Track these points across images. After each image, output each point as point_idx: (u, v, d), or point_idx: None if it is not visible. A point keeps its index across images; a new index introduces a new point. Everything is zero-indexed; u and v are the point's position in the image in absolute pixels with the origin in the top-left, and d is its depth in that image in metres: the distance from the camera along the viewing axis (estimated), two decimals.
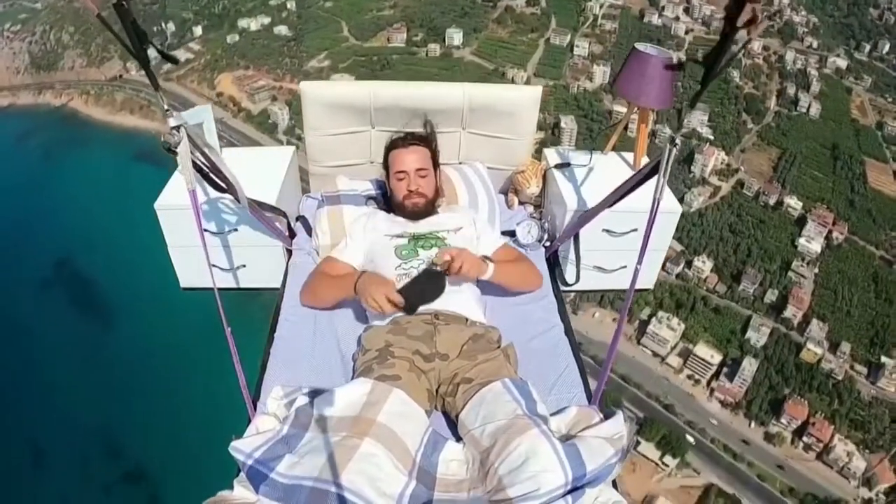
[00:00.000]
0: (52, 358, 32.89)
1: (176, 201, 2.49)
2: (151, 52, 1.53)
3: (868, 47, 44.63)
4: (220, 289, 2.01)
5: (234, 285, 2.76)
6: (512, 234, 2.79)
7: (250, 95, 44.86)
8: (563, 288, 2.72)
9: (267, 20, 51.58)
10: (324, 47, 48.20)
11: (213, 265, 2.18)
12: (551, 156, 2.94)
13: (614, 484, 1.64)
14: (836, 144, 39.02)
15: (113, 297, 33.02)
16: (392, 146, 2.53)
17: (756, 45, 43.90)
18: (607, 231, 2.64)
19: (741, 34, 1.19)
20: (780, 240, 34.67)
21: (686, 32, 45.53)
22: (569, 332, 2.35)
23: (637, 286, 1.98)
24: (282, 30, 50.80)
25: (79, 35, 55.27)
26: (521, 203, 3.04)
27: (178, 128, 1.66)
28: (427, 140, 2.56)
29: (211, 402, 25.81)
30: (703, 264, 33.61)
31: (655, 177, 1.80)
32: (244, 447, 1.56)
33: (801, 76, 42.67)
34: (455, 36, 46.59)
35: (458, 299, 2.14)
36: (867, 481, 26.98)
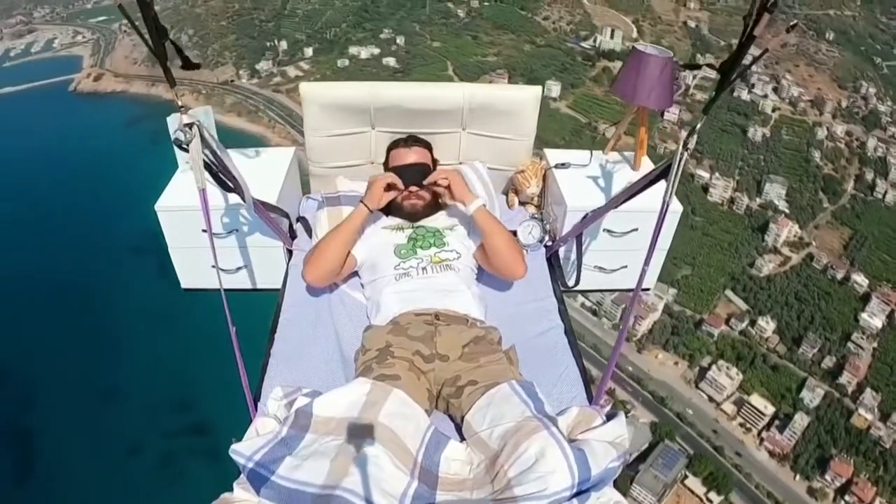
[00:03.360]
0: (134, 317, 36.79)
1: (176, 203, 2.61)
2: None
3: None
4: (224, 290, 2.15)
5: (234, 286, 2.82)
6: (513, 234, 2.80)
7: None
8: (562, 289, 2.77)
9: (376, 51, 56.21)
10: (429, 81, 51.88)
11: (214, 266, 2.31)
12: (551, 156, 3.03)
13: (615, 483, 1.67)
14: None
15: None
16: (393, 146, 2.70)
17: (839, 130, 46.65)
18: (608, 231, 2.76)
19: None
20: (843, 312, 36.35)
21: (773, 110, 48.41)
22: (569, 332, 2.42)
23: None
24: (390, 61, 55.19)
25: (197, 38, 60.56)
26: (521, 203, 3.11)
27: (191, 125, 1.77)
28: (427, 143, 2.71)
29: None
30: (767, 324, 35.79)
31: (664, 179, 1.99)
32: (244, 450, 1.59)
33: (880, 163, 44.70)
34: (553, 88, 49.87)
35: (458, 299, 2.26)
36: None
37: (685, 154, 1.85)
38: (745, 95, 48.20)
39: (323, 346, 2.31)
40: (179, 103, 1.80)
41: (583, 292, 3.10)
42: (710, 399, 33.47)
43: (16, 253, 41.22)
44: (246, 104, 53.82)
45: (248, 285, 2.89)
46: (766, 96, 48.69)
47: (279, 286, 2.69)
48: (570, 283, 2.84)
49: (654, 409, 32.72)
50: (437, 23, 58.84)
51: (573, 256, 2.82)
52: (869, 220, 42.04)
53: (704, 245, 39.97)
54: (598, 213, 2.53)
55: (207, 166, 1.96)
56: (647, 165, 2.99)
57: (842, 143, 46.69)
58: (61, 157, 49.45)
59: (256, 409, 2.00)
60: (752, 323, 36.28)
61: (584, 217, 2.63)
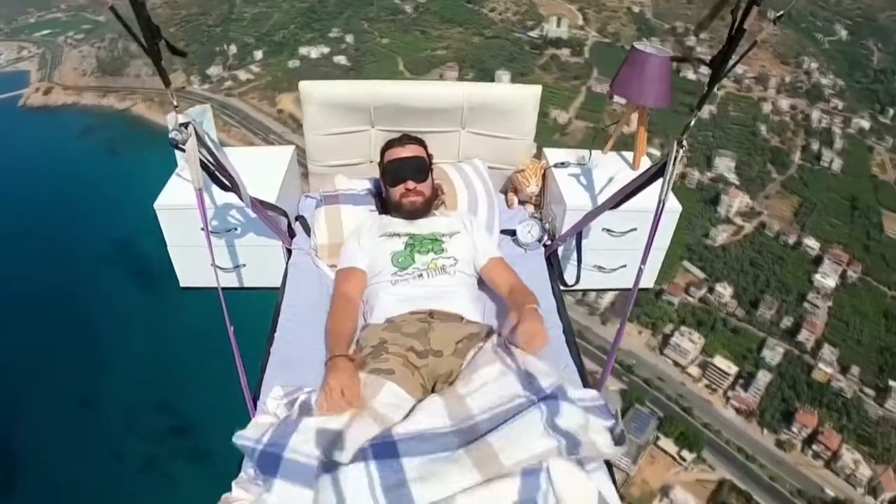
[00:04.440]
0: (110, 325, 36.43)
1: (175, 201, 2.62)
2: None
3: (892, 112, 47.98)
4: (220, 288, 2.16)
5: (233, 285, 2.84)
6: (512, 233, 2.88)
7: None
8: (562, 288, 2.78)
9: (326, 50, 56.35)
10: (381, 77, 51.80)
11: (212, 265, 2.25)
12: (551, 155, 3.06)
13: (612, 479, 1.65)
14: (856, 196, 42.09)
15: (162, 275, 35.80)
16: (387, 146, 2.66)
17: (784, 104, 48.04)
18: (607, 230, 2.77)
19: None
20: (797, 275, 37.43)
21: (718, 88, 49.05)
22: (568, 331, 2.41)
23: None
24: (341, 60, 55.42)
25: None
26: (520, 202, 3.11)
27: (186, 125, 1.77)
28: (421, 140, 2.69)
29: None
30: (724, 290, 36.73)
31: (660, 178, 2.01)
32: (251, 434, 1.62)
33: (825, 134, 46.08)
34: (503, 77, 50.18)
35: (454, 300, 2.25)
36: (873, 490, 29.06)
37: (680, 152, 1.90)
38: (690, 76, 49.01)
39: (322, 346, 2.25)
40: (175, 103, 1.78)
41: (582, 291, 3.10)
42: (676, 364, 34.26)
43: None
44: None
45: (247, 284, 2.90)
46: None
47: (279, 284, 2.69)
48: (570, 281, 2.86)
49: (621, 377, 33.15)
50: (385, 20, 59.24)
51: (572, 256, 2.83)
52: (817, 187, 43.27)
53: None
54: (595, 214, 2.53)
55: (204, 165, 1.98)
56: (646, 165, 3.01)
57: (787, 116, 47.99)
58: (22, 171, 48.96)
59: (256, 409, 2.01)
60: (711, 290, 37.15)
61: (583, 216, 2.64)
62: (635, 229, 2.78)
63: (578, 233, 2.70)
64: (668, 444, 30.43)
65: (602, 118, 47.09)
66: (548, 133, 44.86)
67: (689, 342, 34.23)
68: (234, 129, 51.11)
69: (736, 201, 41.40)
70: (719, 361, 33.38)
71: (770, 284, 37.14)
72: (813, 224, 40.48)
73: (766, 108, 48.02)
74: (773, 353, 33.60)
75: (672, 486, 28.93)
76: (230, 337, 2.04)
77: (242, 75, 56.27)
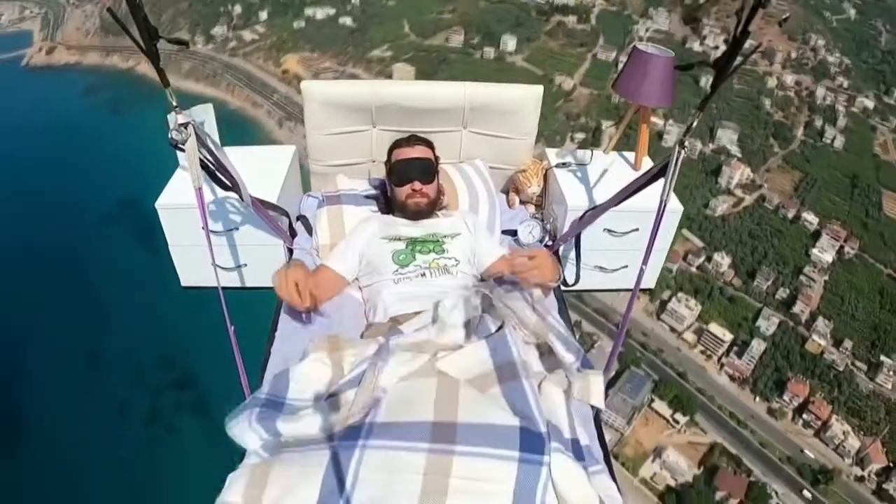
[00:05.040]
0: (112, 284, 36.81)
1: (177, 200, 2.65)
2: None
3: None
4: (221, 288, 2.18)
5: (234, 284, 2.85)
6: (513, 233, 2.90)
7: (315, 75, 48.64)
8: (563, 288, 2.79)
9: (332, 11, 56.31)
10: (387, 39, 52.86)
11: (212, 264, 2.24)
12: (552, 155, 3.07)
13: (612, 476, 1.63)
14: (856, 175, 42.24)
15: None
16: (395, 145, 2.67)
17: (789, 80, 48.14)
18: (608, 231, 2.78)
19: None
20: (795, 248, 37.81)
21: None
22: (569, 331, 2.27)
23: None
24: (346, 21, 55.39)
25: (149, 6, 57.94)
26: (522, 203, 3.13)
27: (186, 125, 1.77)
28: (429, 141, 2.70)
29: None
30: (722, 259, 37.23)
31: (662, 178, 2.03)
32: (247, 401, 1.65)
33: (829, 111, 46.22)
34: (509, 42, 50.90)
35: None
36: (860, 461, 29.65)
37: (682, 152, 1.90)
38: (696, 47, 49.03)
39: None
40: (174, 103, 1.79)
41: (583, 292, 3.07)
42: (672, 329, 34.80)
43: None
44: (203, 69, 53.69)
45: (249, 283, 2.88)
46: (717, 48, 49.45)
47: None
48: (570, 281, 2.84)
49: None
50: None
51: (572, 255, 2.82)
52: (819, 164, 43.48)
53: None
54: (596, 213, 2.53)
55: (204, 165, 1.98)
56: (647, 165, 2.98)
57: (791, 92, 48.11)
58: (26, 131, 48.96)
59: None
60: (709, 259, 37.64)
61: (582, 216, 2.65)
62: (637, 230, 2.77)
63: (577, 233, 2.72)
64: (662, 406, 31.13)
65: (607, 85, 47.10)
66: (552, 100, 44.81)
67: (685, 308, 34.80)
68: (238, 89, 51.21)
69: (737, 173, 41.68)
70: (715, 329, 34.04)
71: (768, 256, 37.56)
72: (813, 199, 40.74)
73: (771, 82, 48.11)
74: (768, 323, 34.12)
75: (665, 447, 29.58)
76: (230, 336, 2.06)
77: (247, 35, 56.27)
